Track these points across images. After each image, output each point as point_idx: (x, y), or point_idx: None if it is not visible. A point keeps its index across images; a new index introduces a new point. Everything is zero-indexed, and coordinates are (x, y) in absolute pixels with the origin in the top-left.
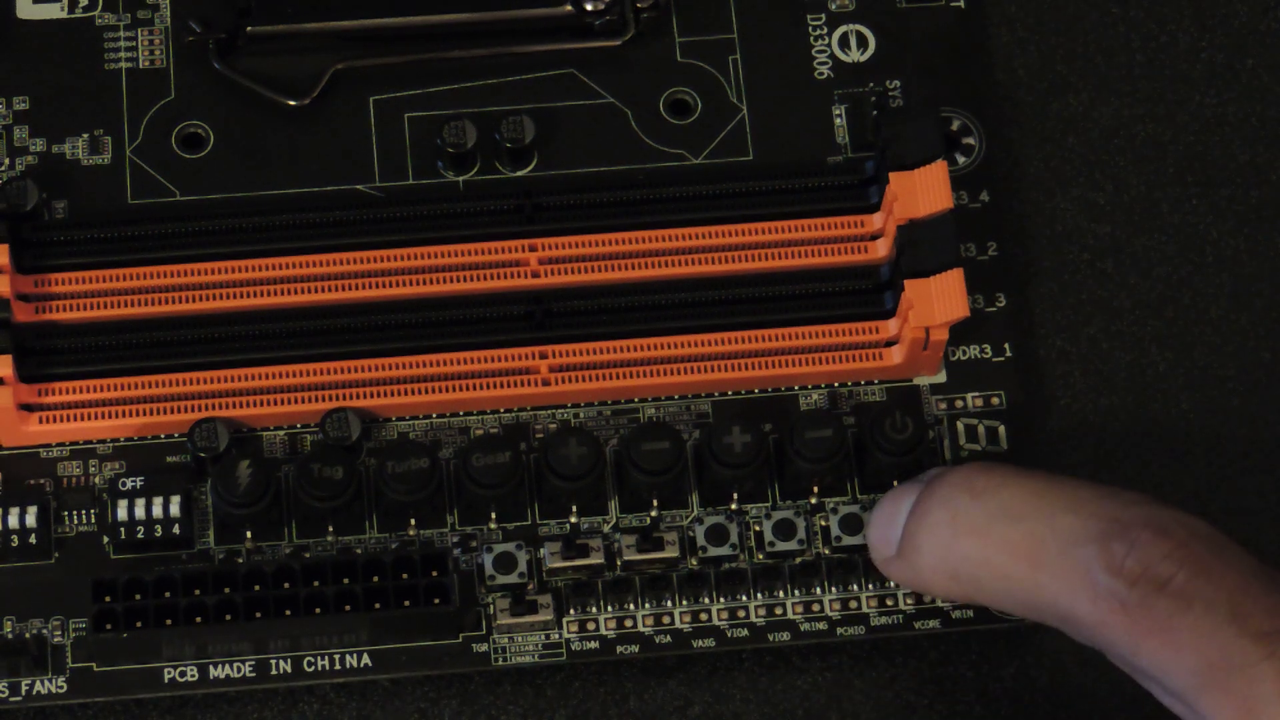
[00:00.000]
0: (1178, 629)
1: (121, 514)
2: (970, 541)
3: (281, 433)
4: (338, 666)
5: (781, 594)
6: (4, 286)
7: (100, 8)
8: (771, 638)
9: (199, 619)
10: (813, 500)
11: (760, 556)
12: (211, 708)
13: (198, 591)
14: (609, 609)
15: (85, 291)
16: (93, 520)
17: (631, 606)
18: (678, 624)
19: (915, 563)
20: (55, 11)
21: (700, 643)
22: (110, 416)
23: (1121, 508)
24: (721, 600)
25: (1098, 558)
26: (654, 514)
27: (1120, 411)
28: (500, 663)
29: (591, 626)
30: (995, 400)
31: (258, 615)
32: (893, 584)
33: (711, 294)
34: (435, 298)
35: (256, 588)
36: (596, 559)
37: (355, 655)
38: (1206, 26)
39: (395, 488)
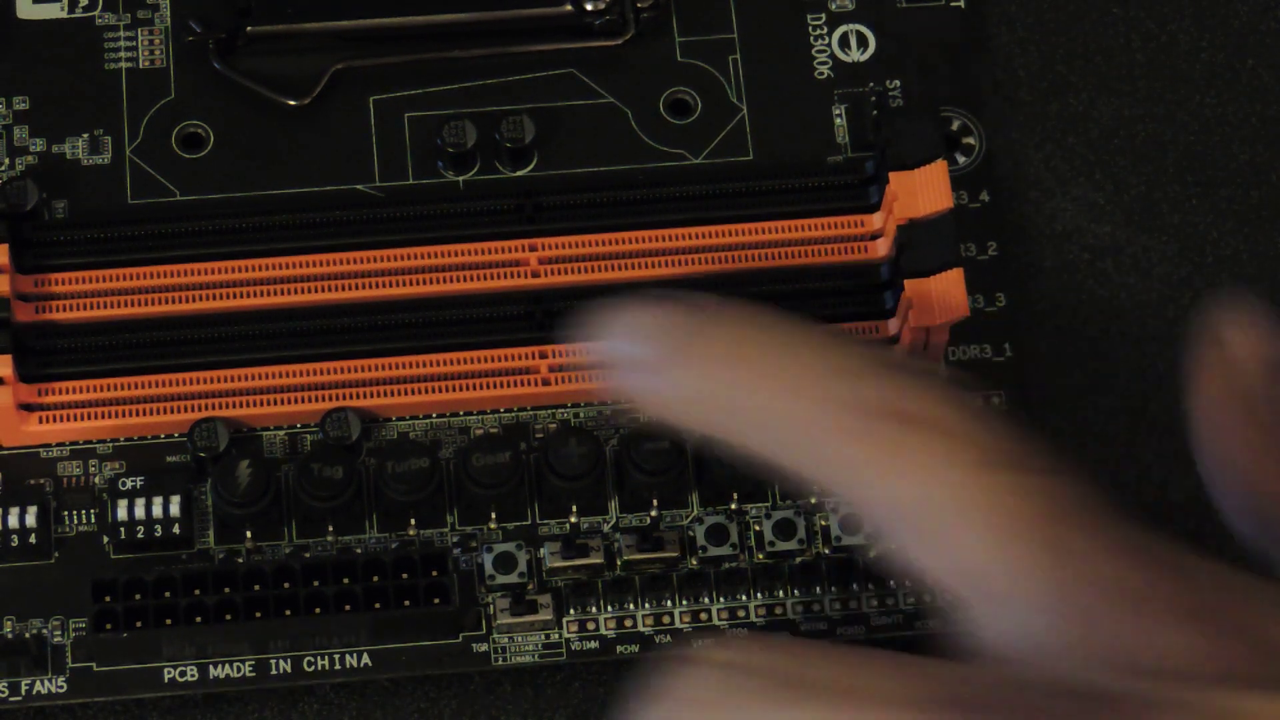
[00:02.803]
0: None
1: (121, 514)
2: (747, 378)
3: (281, 433)
4: (338, 666)
5: (781, 594)
6: (4, 286)
7: (100, 8)
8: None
9: (199, 619)
10: (813, 500)
11: (760, 556)
12: (211, 708)
13: (198, 591)
14: (609, 609)
15: (85, 291)
16: (93, 520)
17: (631, 606)
18: (678, 624)
19: (672, 383)
20: (55, 11)
21: (701, 643)
22: (110, 416)
23: (895, 355)
24: (721, 600)
25: (863, 392)
26: (654, 514)
27: (1120, 412)
28: (500, 663)
29: (591, 626)
30: (995, 400)
31: (258, 615)
32: (892, 583)
33: (711, 294)
34: (435, 298)
35: (256, 588)
36: (596, 559)
37: (355, 655)
38: (1206, 26)
39: (395, 488)
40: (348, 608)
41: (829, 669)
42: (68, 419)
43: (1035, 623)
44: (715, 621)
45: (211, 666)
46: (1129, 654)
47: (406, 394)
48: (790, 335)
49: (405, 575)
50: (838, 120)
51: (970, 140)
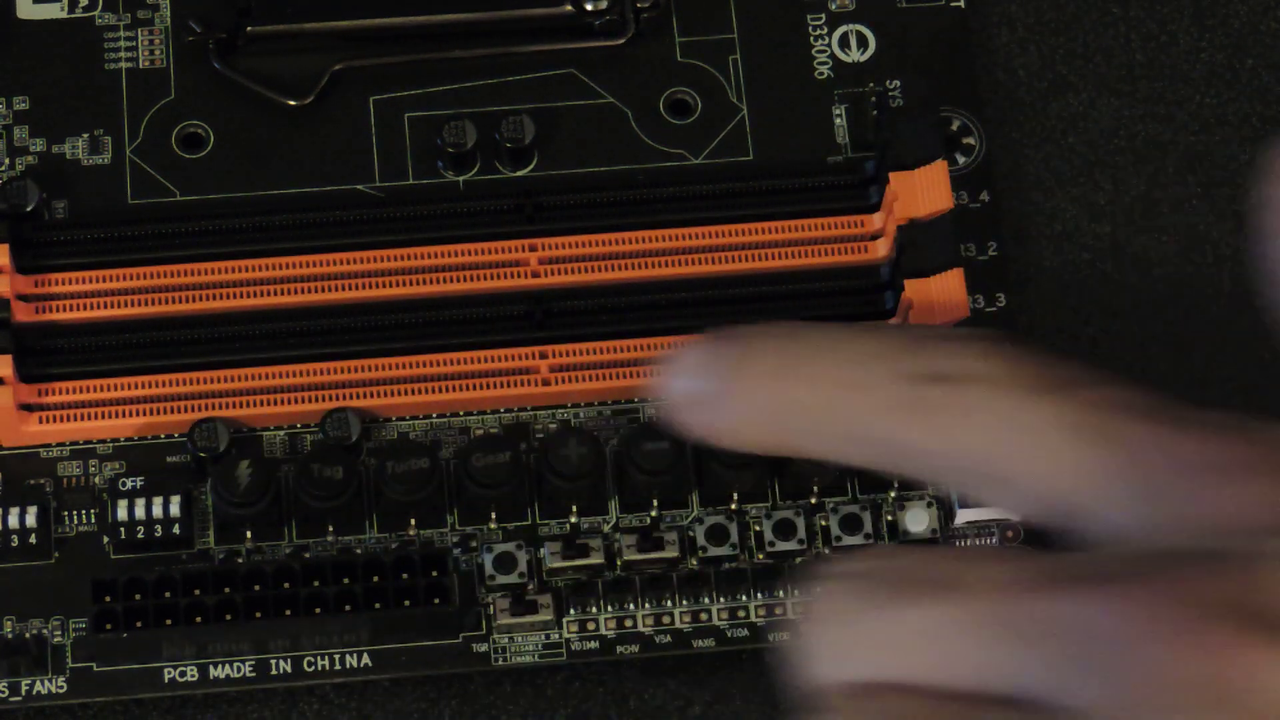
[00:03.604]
0: (977, 408)
1: (121, 514)
2: (797, 384)
3: (281, 433)
4: (338, 666)
5: (781, 594)
6: (4, 286)
7: (100, 8)
8: (771, 638)
9: (199, 619)
10: (813, 500)
11: (760, 556)
12: (211, 708)
13: (198, 591)
14: (609, 609)
15: (85, 291)
16: (93, 520)
17: (631, 606)
18: (678, 624)
19: (733, 408)
20: (55, 11)
21: (700, 643)
22: (110, 416)
23: (928, 328)
24: (721, 600)
25: (904, 367)
26: (654, 514)
27: None
28: (500, 663)
29: (591, 626)
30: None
31: (258, 615)
32: None
33: (711, 294)
34: (435, 298)
35: (256, 588)
36: (596, 559)
37: (355, 655)
38: (1206, 26)
39: (395, 488)
40: (348, 608)
41: (949, 565)
42: (68, 419)
43: (1124, 518)
44: (715, 621)
45: (211, 666)
46: (1217, 520)
47: (406, 394)
48: (827, 336)
49: (405, 575)
50: (838, 120)
51: (970, 140)
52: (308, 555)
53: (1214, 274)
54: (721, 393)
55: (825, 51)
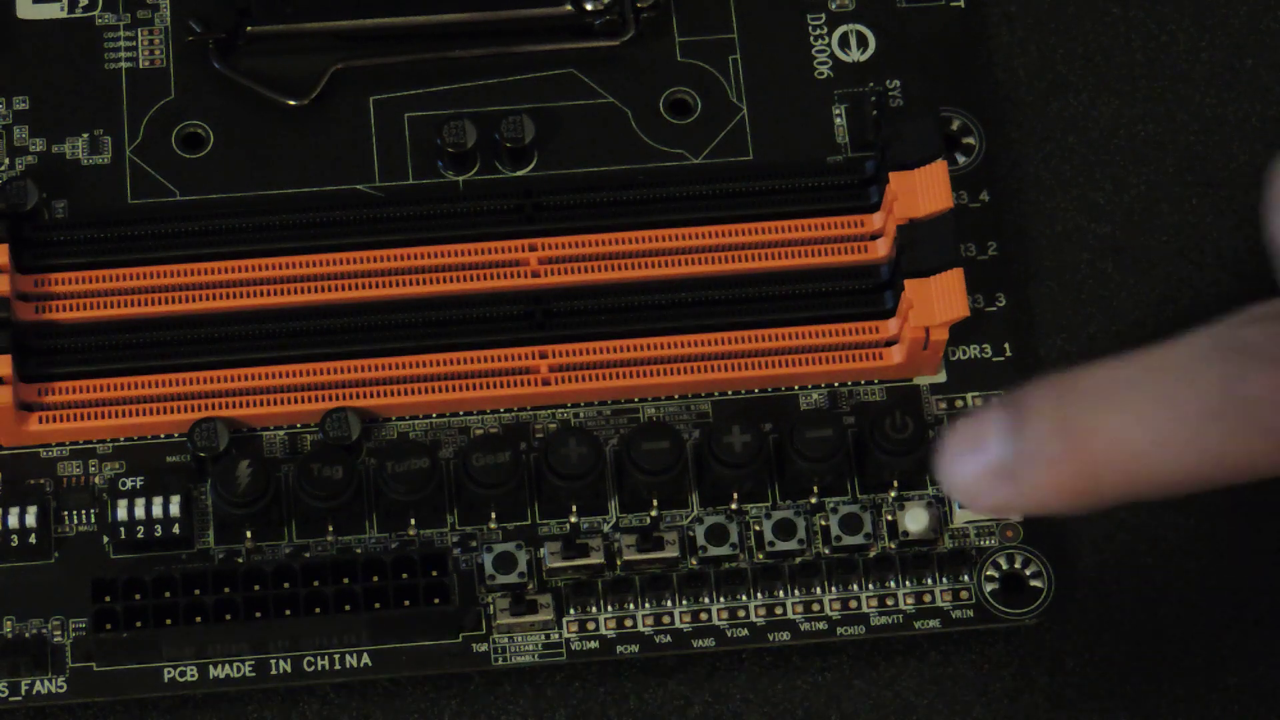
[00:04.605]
0: None
1: (121, 514)
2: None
3: (281, 433)
4: (338, 666)
5: (781, 594)
6: (4, 286)
7: (100, 8)
8: (771, 638)
9: (199, 619)
10: (813, 500)
11: (760, 556)
12: (211, 708)
13: (197, 591)
14: (609, 609)
15: (85, 291)
16: (93, 520)
17: (631, 606)
18: (678, 624)
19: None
20: (55, 11)
21: (700, 643)
22: (110, 416)
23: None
24: (721, 600)
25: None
26: (654, 514)
27: None
28: (500, 663)
29: (591, 626)
30: (995, 400)
31: (258, 615)
32: (892, 584)
33: (711, 294)
34: (435, 298)
35: (256, 588)
36: (596, 559)
37: (355, 655)
38: (1206, 26)
39: (395, 488)
40: (348, 608)
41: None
42: (68, 419)
43: None
44: (715, 621)
45: (211, 666)
46: None
47: (406, 394)
48: (1120, 368)
49: (405, 575)
50: (838, 120)
51: (970, 140)
52: (307, 555)
53: (1214, 274)
54: (1025, 454)
55: (825, 51)
